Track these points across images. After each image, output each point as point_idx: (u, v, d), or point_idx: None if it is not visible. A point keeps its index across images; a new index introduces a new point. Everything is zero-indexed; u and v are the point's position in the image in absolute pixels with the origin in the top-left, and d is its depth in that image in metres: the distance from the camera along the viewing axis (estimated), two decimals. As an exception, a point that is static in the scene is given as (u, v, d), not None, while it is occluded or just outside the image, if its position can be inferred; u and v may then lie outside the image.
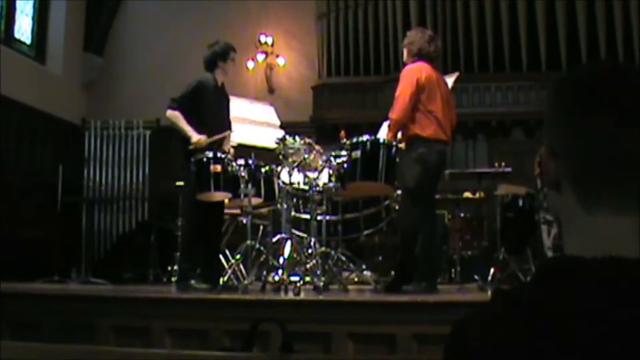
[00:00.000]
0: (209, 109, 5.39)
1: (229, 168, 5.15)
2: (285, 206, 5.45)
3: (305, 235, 5.51)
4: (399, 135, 5.03)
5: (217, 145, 5.36)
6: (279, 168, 5.48)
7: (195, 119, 5.29)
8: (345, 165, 5.01)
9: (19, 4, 8.95)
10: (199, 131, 5.26)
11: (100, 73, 10.01)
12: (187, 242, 5.38)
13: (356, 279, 5.77)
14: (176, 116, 5.31)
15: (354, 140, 5.03)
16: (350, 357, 3.60)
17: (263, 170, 5.46)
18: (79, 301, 4.38)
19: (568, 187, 0.90)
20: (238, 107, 6.32)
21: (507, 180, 6.66)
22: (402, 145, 5.03)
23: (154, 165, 8.75)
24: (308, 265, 4.89)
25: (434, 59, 5.07)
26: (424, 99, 4.87)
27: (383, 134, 5.47)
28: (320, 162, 5.11)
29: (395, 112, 4.89)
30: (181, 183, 5.66)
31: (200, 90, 5.37)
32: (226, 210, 5.75)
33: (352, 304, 4.06)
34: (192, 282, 5.16)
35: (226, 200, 5.40)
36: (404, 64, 5.17)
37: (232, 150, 5.61)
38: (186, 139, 5.27)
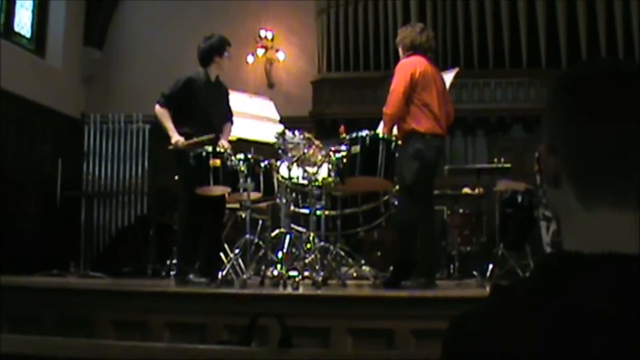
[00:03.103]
0: (198, 106, 5.36)
1: (228, 162, 5.15)
2: (284, 201, 5.45)
3: (304, 230, 5.51)
4: (395, 130, 5.02)
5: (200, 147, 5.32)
6: (278, 163, 5.48)
7: (184, 116, 5.29)
8: (344, 160, 5.01)
9: (18, -2, 8.94)
10: (184, 128, 5.26)
11: (100, 67, 9.99)
12: (183, 237, 5.38)
13: (355, 274, 5.77)
14: (162, 114, 5.30)
15: (354, 135, 5.04)
16: (348, 352, 3.60)
17: (262, 164, 5.46)
18: (78, 295, 4.39)
19: (567, 183, 0.90)
20: (237, 101, 6.32)
21: (507, 176, 6.67)
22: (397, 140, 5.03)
23: (153, 160, 8.75)
24: (307, 260, 4.89)
25: (427, 51, 5.06)
26: (420, 93, 4.86)
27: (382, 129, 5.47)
28: (319, 157, 5.10)
29: (389, 107, 4.87)
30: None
31: (190, 87, 5.34)
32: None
33: (351, 299, 4.06)
34: (190, 276, 5.15)
35: (225, 195, 5.40)
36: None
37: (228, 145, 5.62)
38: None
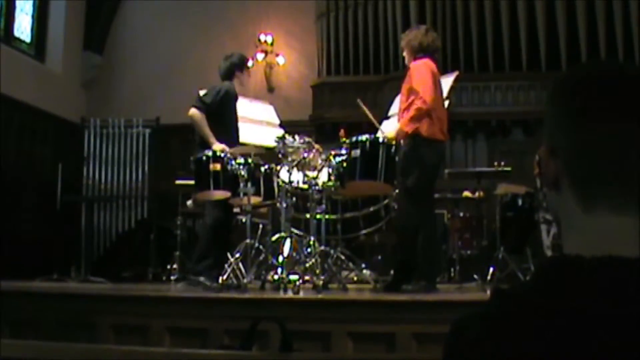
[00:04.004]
0: (232, 117, 5.59)
1: (229, 167, 5.16)
2: (284, 205, 5.45)
3: (304, 234, 5.51)
4: (393, 133, 4.98)
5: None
6: (279, 167, 5.48)
7: (218, 126, 5.38)
8: (344, 164, 5.01)
9: (18, 3, 8.94)
10: (220, 138, 5.36)
11: (99, 71, 10.00)
12: (208, 240, 5.41)
13: (355, 278, 5.76)
14: (201, 119, 5.41)
15: (354, 139, 5.03)
16: (349, 356, 3.60)
17: (262, 169, 5.46)
18: (78, 299, 4.38)
19: (567, 186, 0.90)
20: (238, 106, 6.32)
21: (507, 179, 6.66)
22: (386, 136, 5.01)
23: (153, 164, 8.75)
24: (307, 264, 4.89)
25: (435, 51, 5.04)
26: None
27: (387, 129, 5.44)
28: (319, 161, 5.10)
29: (427, 100, 4.70)
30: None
31: (228, 98, 5.53)
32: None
33: (352, 303, 4.06)
34: (202, 279, 5.18)
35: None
36: (406, 66, 5.13)
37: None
38: (203, 144, 5.35)
